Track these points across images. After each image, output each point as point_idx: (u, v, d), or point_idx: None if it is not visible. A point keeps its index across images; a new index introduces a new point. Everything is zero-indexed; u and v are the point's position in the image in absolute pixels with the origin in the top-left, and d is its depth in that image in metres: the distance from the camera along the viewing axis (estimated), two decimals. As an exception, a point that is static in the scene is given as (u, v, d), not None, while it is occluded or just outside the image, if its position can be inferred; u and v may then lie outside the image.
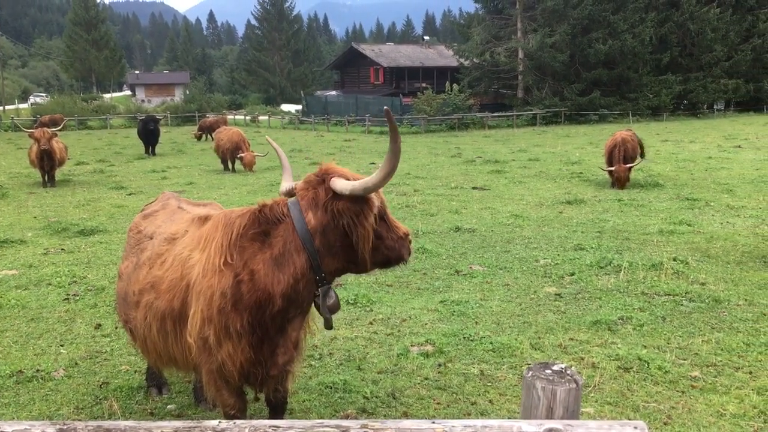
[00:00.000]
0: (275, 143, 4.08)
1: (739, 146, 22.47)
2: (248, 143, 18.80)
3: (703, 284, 6.89)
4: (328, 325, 3.31)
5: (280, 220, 3.18)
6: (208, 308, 3.17)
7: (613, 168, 13.68)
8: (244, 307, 3.13)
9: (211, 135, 31.81)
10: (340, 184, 3.05)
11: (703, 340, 5.36)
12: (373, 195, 3.07)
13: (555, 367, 2.16)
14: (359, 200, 3.05)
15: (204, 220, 3.56)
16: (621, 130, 15.53)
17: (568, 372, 2.14)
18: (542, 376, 2.11)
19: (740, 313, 5.98)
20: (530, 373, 2.14)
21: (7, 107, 60.97)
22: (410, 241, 3.36)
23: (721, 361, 4.97)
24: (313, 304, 3.34)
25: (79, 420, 4.17)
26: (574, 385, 2.08)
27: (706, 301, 6.31)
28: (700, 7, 44.43)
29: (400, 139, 2.96)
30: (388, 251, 3.26)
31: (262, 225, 3.20)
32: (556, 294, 6.67)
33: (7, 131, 40.73)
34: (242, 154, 18.25)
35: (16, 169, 19.74)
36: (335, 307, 3.27)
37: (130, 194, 14.35)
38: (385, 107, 3.39)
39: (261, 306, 3.13)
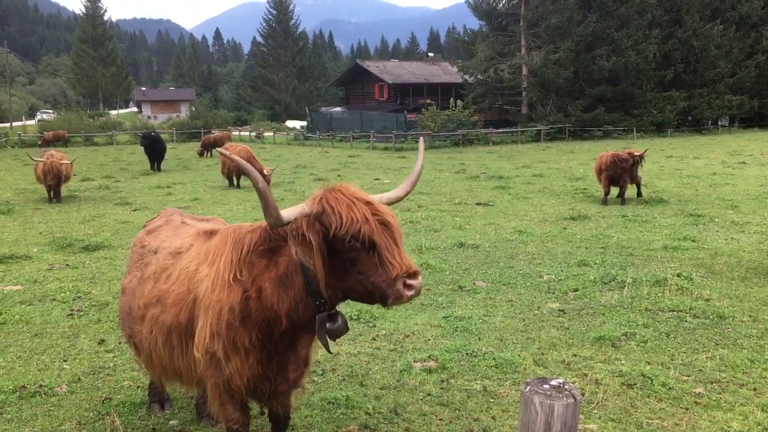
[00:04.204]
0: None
1: (744, 162, 22.43)
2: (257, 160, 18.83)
3: (707, 300, 6.86)
4: (328, 351, 3.20)
5: (287, 238, 3.05)
6: (216, 323, 3.15)
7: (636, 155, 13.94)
8: (253, 323, 3.11)
9: (211, 153, 31.79)
10: (285, 212, 2.86)
11: (707, 357, 5.34)
12: (303, 220, 2.85)
13: (553, 382, 2.16)
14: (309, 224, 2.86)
15: (210, 234, 3.55)
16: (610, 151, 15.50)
17: (567, 387, 2.14)
18: (540, 390, 2.11)
19: (745, 330, 5.96)
20: (528, 388, 2.14)
21: (14, 124, 61.34)
22: (406, 284, 2.79)
23: (725, 377, 4.95)
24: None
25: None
26: (572, 400, 2.07)
27: (711, 317, 6.29)
28: (704, 23, 44.58)
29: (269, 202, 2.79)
30: (370, 287, 2.85)
31: (272, 242, 3.12)
32: (559, 310, 6.66)
33: (14, 147, 40.99)
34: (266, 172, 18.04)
35: (22, 185, 19.86)
36: (340, 332, 3.10)
37: (135, 210, 14.41)
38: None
39: (269, 324, 3.11)
